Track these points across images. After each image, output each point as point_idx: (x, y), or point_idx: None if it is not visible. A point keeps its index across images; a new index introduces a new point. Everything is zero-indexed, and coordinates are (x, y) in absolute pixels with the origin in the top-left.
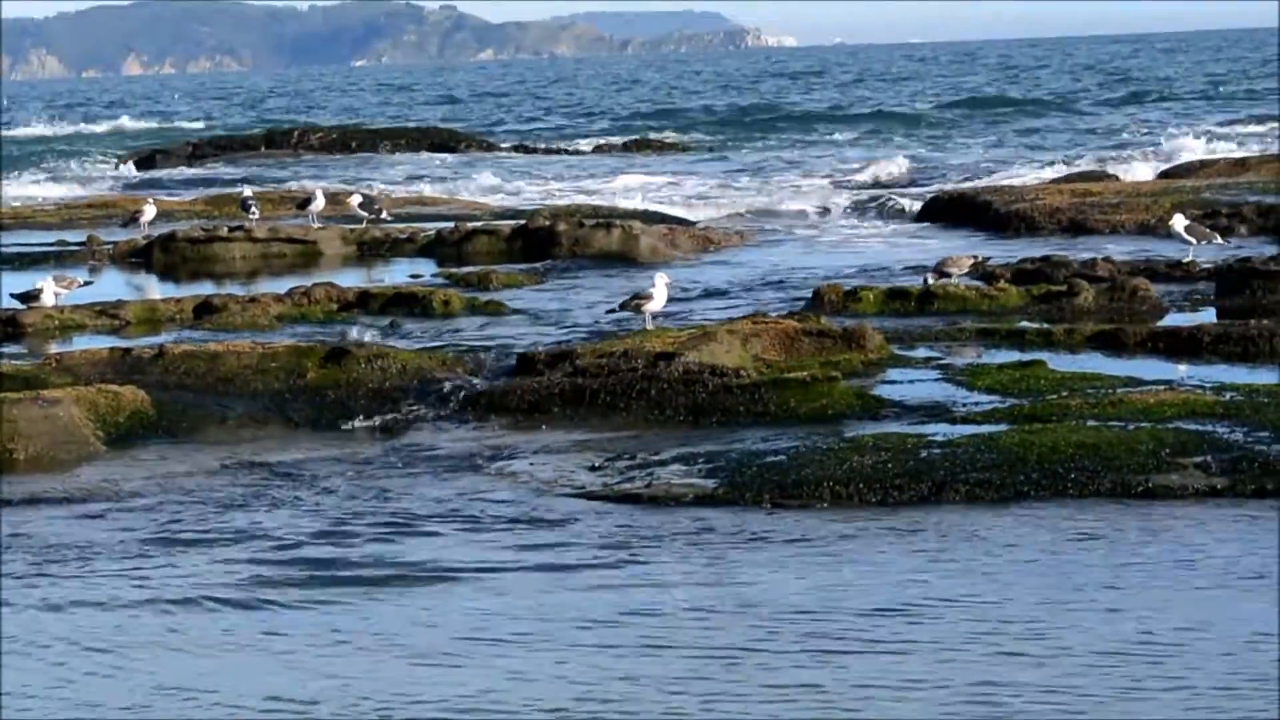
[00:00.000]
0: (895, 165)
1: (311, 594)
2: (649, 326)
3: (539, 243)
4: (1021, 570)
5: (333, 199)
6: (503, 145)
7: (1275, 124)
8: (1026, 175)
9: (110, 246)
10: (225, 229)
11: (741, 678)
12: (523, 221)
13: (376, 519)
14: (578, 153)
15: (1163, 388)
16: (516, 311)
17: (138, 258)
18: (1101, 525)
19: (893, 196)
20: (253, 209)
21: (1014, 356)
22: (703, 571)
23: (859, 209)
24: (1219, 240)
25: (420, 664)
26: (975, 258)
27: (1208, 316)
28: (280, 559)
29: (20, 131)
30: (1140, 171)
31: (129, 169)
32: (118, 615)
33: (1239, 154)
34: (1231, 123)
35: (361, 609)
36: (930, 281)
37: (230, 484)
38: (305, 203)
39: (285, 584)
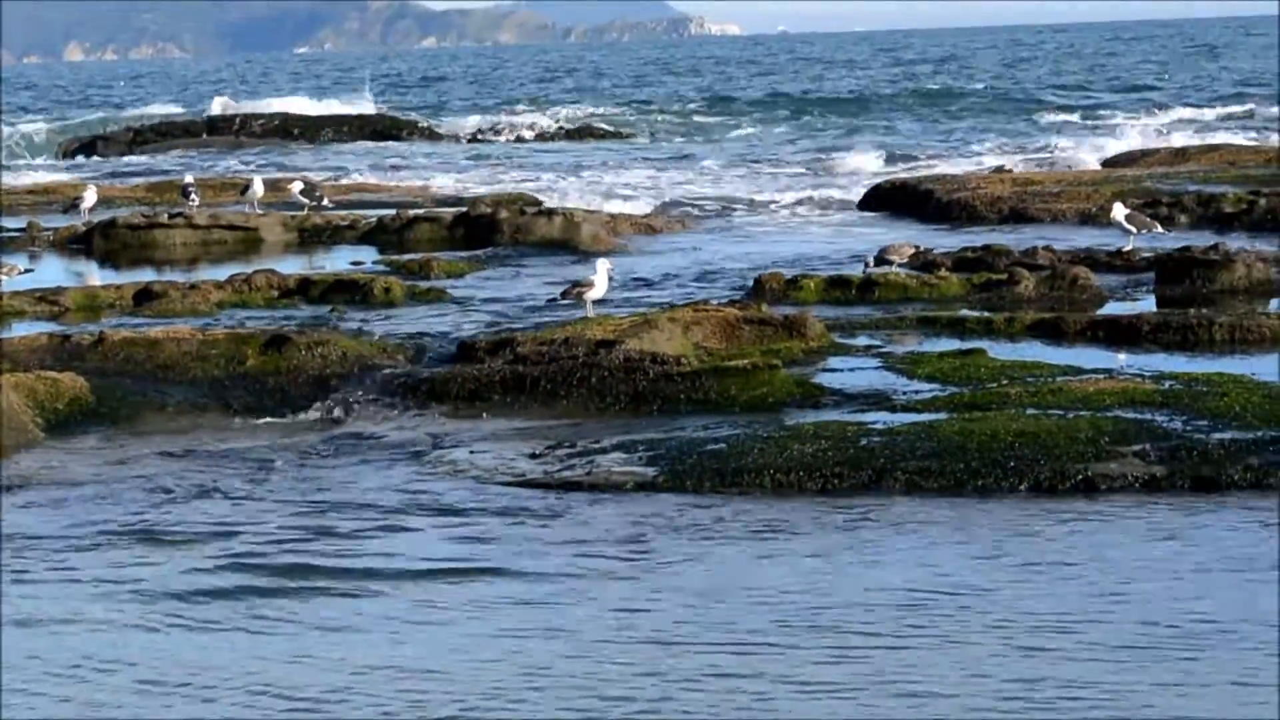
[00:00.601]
0: (848, 155)
1: (278, 593)
2: (590, 314)
3: (481, 230)
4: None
5: (274, 186)
6: (445, 132)
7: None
8: (962, 162)
9: (50, 233)
10: (166, 215)
11: (756, 672)
12: (464, 209)
13: (321, 512)
14: (520, 140)
15: (1102, 376)
16: (458, 299)
17: (78, 244)
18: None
19: (834, 185)
20: (193, 196)
21: (954, 345)
22: (697, 564)
23: (801, 197)
24: (1159, 229)
25: (402, 666)
26: (916, 247)
27: (1147, 305)
28: (236, 559)
29: None
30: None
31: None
32: (78, 611)
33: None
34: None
35: (335, 607)
36: (870, 264)
37: (171, 473)
38: (246, 189)
39: (248, 584)
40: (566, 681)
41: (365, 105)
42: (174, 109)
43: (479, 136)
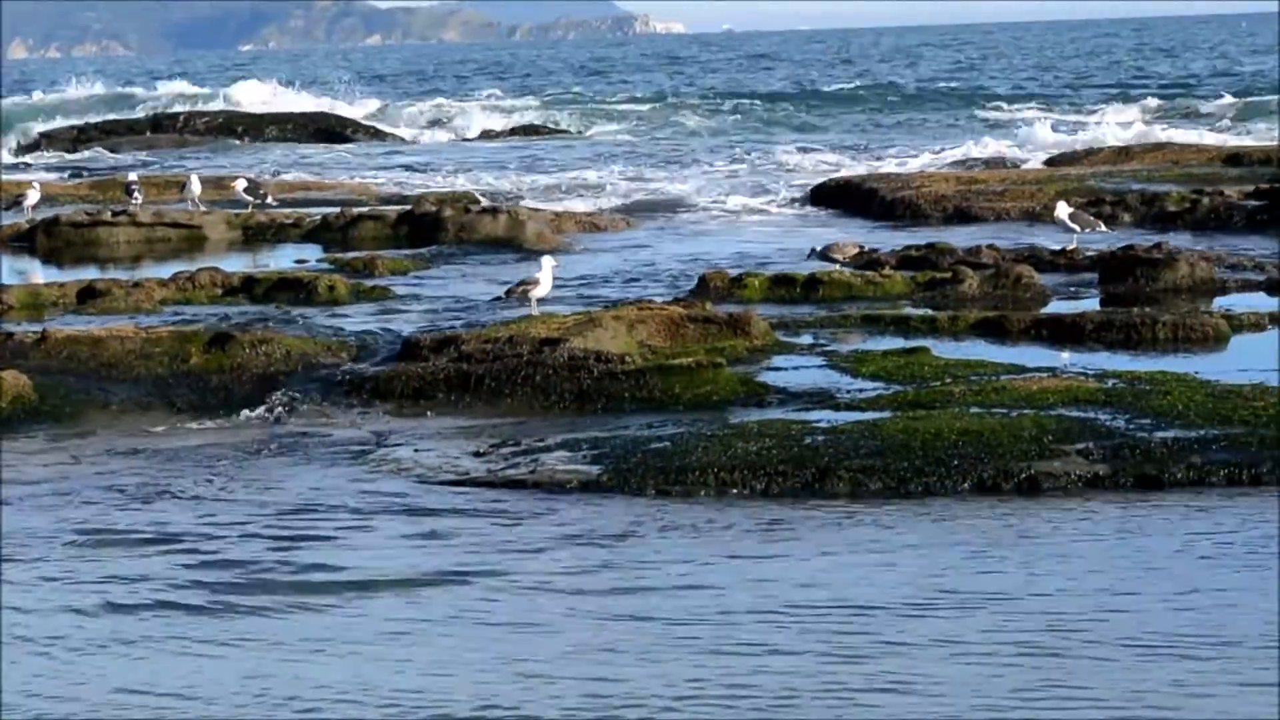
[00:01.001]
0: (793, 152)
1: (240, 600)
2: (535, 312)
3: (425, 228)
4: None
5: (218, 184)
6: (391, 130)
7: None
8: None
9: None
10: (109, 213)
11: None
12: (409, 207)
13: (272, 515)
14: (466, 139)
15: (1046, 375)
16: (402, 297)
17: (21, 242)
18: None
19: (779, 182)
20: (136, 193)
21: (898, 343)
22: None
23: (746, 195)
24: (1102, 228)
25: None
26: (860, 245)
27: (1091, 304)
28: (196, 567)
29: None
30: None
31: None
32: (39, 619)
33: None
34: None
35: (289, 616)
36: (814, 255)
37: (118, 474)
38: (184, 187)
39: (213, 596)
40: (564, 688)
41: (369, 102)
42: (98, 89)
43: (426, 135)
